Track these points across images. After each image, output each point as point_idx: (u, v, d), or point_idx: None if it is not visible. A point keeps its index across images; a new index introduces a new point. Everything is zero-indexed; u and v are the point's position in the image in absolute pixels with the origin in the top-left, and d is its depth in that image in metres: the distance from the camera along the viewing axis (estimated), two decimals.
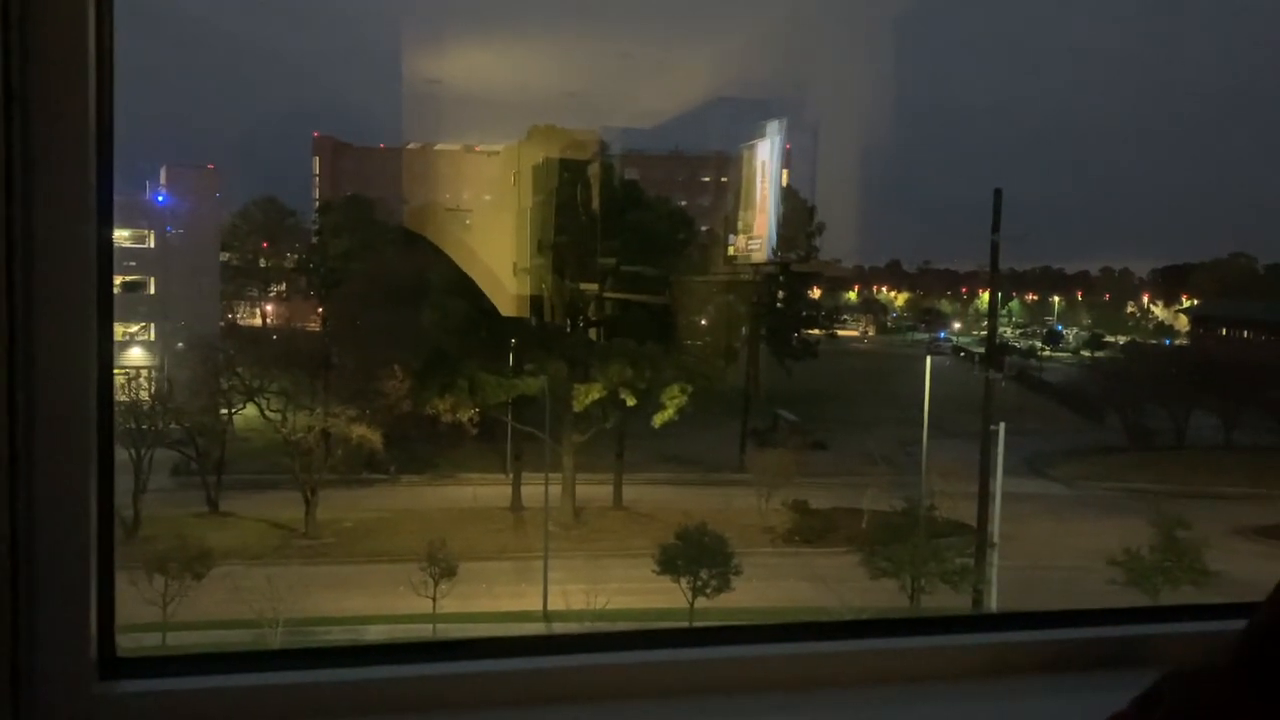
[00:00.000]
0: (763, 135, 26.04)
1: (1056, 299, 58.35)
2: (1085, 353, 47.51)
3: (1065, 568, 22.77)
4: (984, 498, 23.61)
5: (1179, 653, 2.12)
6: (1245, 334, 40.82)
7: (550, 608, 21.42)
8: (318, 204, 38.21)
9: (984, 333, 35.36)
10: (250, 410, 26.64)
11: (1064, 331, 54.47)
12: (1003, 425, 23.92)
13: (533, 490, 25.96)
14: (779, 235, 27.96)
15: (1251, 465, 29.70)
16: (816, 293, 40.67)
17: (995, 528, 23.22)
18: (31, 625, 1.64)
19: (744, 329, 34.10)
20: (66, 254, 1.63)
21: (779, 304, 37.24)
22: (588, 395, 25.86)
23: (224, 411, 26.66)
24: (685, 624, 19.53)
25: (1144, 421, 33.43)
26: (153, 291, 29.37)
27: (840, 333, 45.35)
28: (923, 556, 22.36)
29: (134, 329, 28.43)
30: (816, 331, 39.14)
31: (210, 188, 32.85)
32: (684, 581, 21.38)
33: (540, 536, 23.46)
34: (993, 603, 21.95)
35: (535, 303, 25.98)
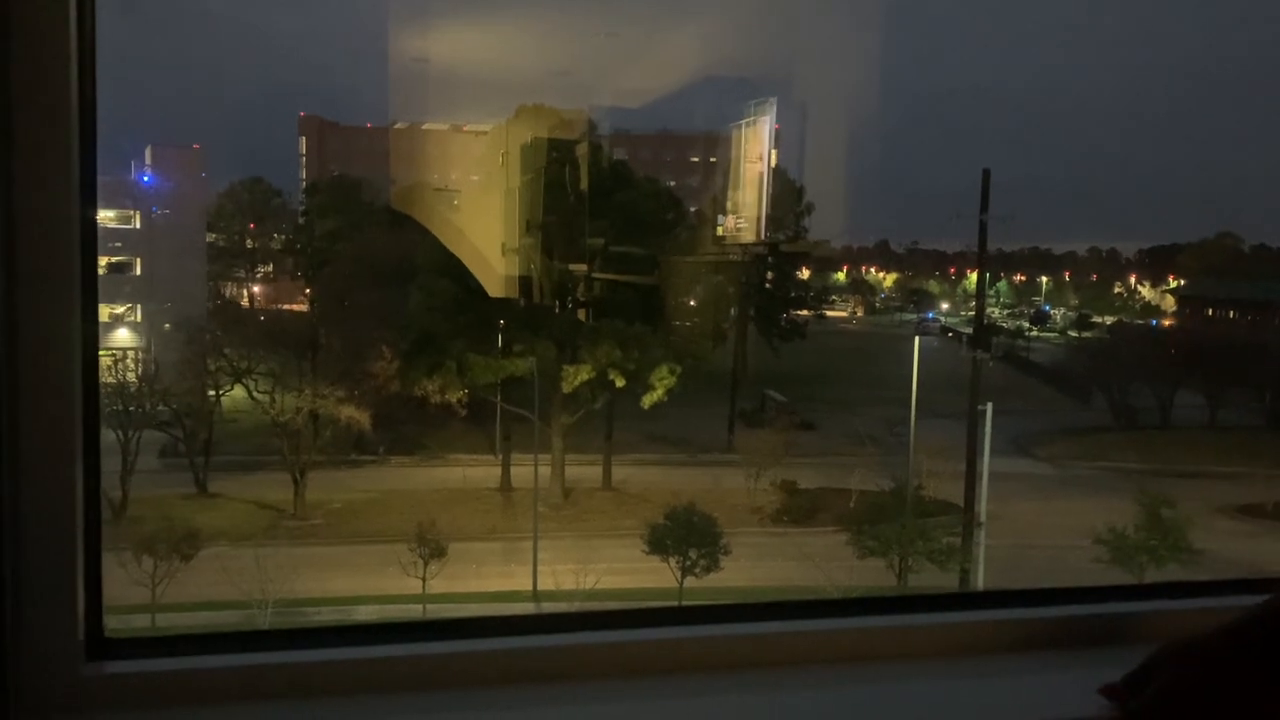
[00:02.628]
0: (751, 115, 25.98)
1: (1044, 279, 58.56)
2: (1072, 333, 47.72)
3: (1051, 546, 22.94)
4: (971, 477, 23.74)
5: (1164, 629, 2.14)
6: (1231, 314, 41.05)
7: (540, 588, 21.48)
8: (304, 184, 38.05)
9: (972, 313, 35.46)
10: (238, 391, 26.58)
11: (1051, 312, 54.68)
12: (990, 405, 24.03)
13: (522, 471, 25.99)
14: (768, 216, 27.97)
15: (1236, 444, 29.93)
16: (805, 273, 40.72)
17: (982, 507, 23.36)
18: (18, 607, 1.64)
19: (733, 310, 34.13)
20: (49, 235, 1.61)
21: (768, 284, 37.28)
22: (576, 376, 25.86)
23: (211, 393, 26.59)
24: (674, 603, 19.62)
25: (1130, 401, 33.64)
26: (139, 272, 29.23)
27: (829, 313, 45.48)
28: (910, 536, 22.49)
29: (120, 310, 28.31)
30: (805, 312, 39.22)
31: (196, 168, 32.66)
32: (673, 561, 21.47)
33: (529, 517, 23.51)
34: (979, 581, 22.12)
35: (523, 283, 25.92)
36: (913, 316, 50.63)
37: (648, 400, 26.73)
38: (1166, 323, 45.90)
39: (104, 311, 26.49)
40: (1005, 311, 53.55)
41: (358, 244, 30.97)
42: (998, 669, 2.01)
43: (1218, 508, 25.58)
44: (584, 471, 26.92)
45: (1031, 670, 2.02)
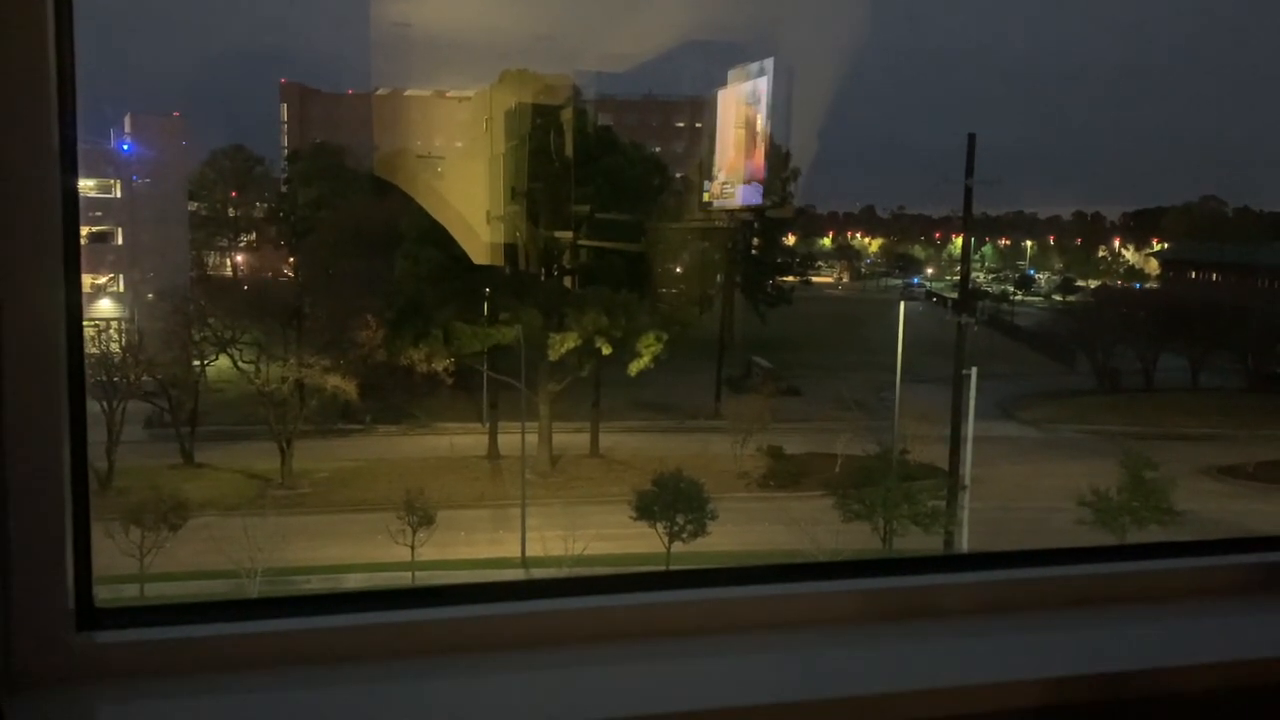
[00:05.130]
0: (737, 79, 25.79)
1: (1029, 243, 58.62)
2: (1057, 297, 47.87)
3: (1035, 508, 23.14)
4: (956, 441, 23.89)
5: (1145, 589, 2.17)
6: (1215, 277, 41.23)
7: (528, 554, 21.58)
8: (286, 152, 37.68)
9: (957, 278, 35.51)
10: (223, 361, 26.46)
11: (1036, 276, 54.82)
12: (975, 370, 24.13)
13: (509, 439, 26.01)
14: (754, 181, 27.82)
15: (1218, 406, 30.18)
16: (791, 239, 40.66)
17: (967, 470, 23.53)
18: (7, 577, 1.64)
19: (719, 276, 34.07)
20: (30, 204, 1.60)
21: (754, 251, 37.20)
22: (563, 344, 25.82)
23: (196, 363, 26.46)
24: (662, 568, 19.74)
25: (1114, 364, 33.84)
26: (120, 242, 28.96)
27: (815, 279, 45.44)
28: (895, 499, 22.64)
29: (102, 280, 28.06)
30: (791, 278, 39.16)
31: (177, 136, 32.27)
32: (660, 527, 21.58)
33: (517, 484, 23.56)
34: (964, 543, 22.31)
35: (509, 251, 25.79)
36: (898, 281, 50.69)
37: (634, 367, 26.73)
38: (1150, 286, 46.08)
39: (86, 282, 26.17)
40: (990, 276, 53.64)
41: (341, 212, 30.75)
42: (982, 629, 2.03)
43: (1200, 469, 25.82)
44: (571, 439, 26.96)
45: (1015, 630, 2.04)
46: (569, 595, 1.96)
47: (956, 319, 26.43)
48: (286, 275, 33.68)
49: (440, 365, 26.71)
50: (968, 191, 26.17)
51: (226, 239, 37.25)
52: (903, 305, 28.72)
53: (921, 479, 23.95)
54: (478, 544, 22.07)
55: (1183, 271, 43.64)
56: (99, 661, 1.72)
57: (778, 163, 33.28)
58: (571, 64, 29.15)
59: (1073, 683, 1.86)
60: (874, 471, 23.47)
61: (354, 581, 20.00)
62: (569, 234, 26.68)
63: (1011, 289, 50.04)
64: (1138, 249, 51.30)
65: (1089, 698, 1.86)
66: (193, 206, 34.09)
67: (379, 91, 32.23)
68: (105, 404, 23.06)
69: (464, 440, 26.98)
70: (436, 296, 25.97)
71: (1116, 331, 34.63)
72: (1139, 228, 51.33)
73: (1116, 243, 54.01)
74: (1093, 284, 48.24)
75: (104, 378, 23.43)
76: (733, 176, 26.76)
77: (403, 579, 20.29)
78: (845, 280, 54.86)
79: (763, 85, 24.56)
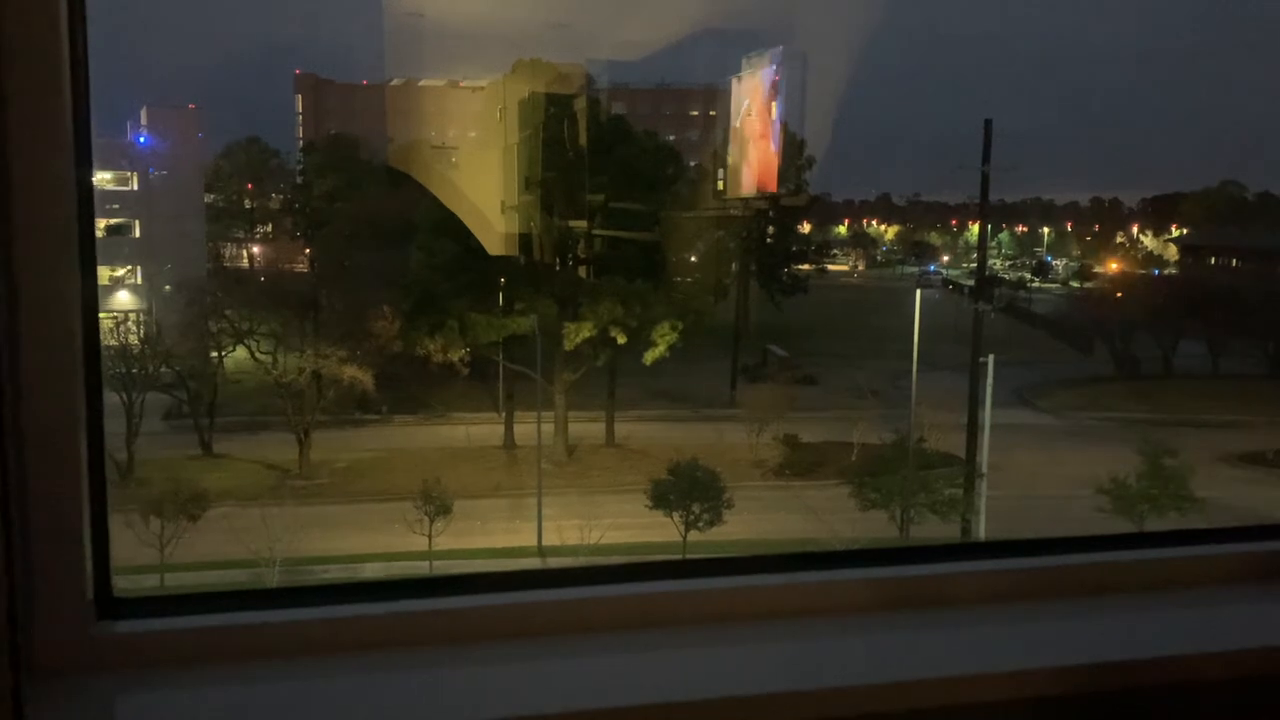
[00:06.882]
0: (750, 67, 25.69)
1: (1046, 230, 58.23)
2: (1075, 283, 47.57)
3: (1053, 496, 23.05)
4: (973, 429, 23.80)
5: (1164, 577, 2.16)
6: (1234, 262, 40.88)
7: (545, 543, 21.64)
8: (301, 143, 37.75)
9: (973, 265, 35.33)
10: (241, 352, 26.61)
11: (1053, 262, 54.47)
12: (992, 357, 24.02)
13: (525, 429, 26.07)
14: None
15: (1237, 392, 29.96)
16: (806, 227, 40.53)
17: (984, 458, 23.44)
18: (28, 568, 1.65)
19: (734, 265, 34.01)
20: (46, 197, 1.61)
21: (769, 239, 37.11)
22: (578, 334, 25.84)
23: (214, 354, 26.62)
24: (678, 557, 19.76)
25: (1132, 351, 33.62)
26: (137, 234, 29.13)
27: (830, 267, 45.28)
28: (912, 487, 22.59)
29: (120, 273, 28.24)
30: (806, 266, 39.06)
31: (193, 128, 32.37)
32: (676, 516, 21.59)
33: (533, 474, 23.62)
34: (981, 532, 22.25)
35: (524, 241, 25.80)
36: (914, 269, 50.46)
37: (650, 357, 26.73)
38: (1169, 272, 45.72)
39: (104, 274, 26.41)
40: (1007, 263, 53.35)
41: (356, 203, 30.80)
42: (1001, 618, 2.03)
43: (1219, 456, 25.65)
44: (587, 428, 27.00)
45: (1033, 618, 2.04)
46: (585, 584, 1.97)
47: (973, 306, 26.31)
48: (302, 267, 33.79)
49: (456, 355, 26.79)
50: (984, 178, 26.04)
51: (243, 231, 37.34)
52: (919, 293, 28.61)
53: (939, 467, 23.88)
54: (494, 533, 22.14)
55: (1202, 257, 43.29)
56: (118, 651, 1.73)
57: (792, 150, 33.15)
58: (585, 53, 29.12)
59: (1086, 671, 1.85)
60: (891, 460, 23.42)
61: (372, 571, 20.11)
62: (583, 224, 26.67)
63: (1029, 276, 49.75)
64: (1156, 235, 50.91)
65: (1102, 686, 1.86)
66: (209, 199, 34.22)
67: (393, 82, 32.26)
68: (124, 395, 23.23)
69: (480, 430, 27.06)
70: (452, 287, 26.02)
71: (1135, 318, 34.40)
72: (1157, 213, 50.93)
73: (1135, 228, 53.61)
74: (1111, 270, 47.90)
75: (123, 370, 23.59)
76: (747, 165, 26.65)
77: (420, 568, 20.39)
78: (861, 268, 54.66)
79: (777, 73, 24.45)
